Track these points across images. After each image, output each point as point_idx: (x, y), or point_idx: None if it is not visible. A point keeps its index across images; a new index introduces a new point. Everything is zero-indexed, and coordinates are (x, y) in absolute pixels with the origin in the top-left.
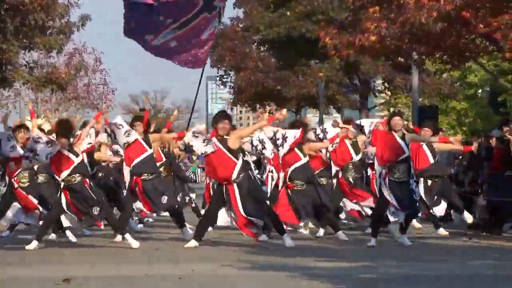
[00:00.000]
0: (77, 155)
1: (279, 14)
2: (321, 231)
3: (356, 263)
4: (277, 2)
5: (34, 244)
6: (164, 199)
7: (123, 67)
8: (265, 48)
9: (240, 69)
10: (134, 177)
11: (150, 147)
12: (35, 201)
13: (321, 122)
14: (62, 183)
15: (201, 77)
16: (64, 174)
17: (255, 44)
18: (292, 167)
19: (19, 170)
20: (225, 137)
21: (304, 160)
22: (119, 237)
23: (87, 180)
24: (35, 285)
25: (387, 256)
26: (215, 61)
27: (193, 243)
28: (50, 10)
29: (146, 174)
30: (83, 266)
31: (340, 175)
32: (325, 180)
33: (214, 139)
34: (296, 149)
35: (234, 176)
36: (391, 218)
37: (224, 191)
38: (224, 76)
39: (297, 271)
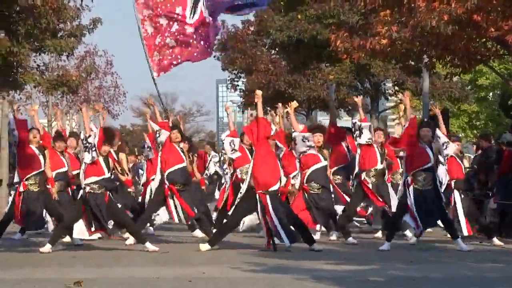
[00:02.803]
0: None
1: (290, 17)
2: (333, 235)
3: (364, 266)
4: (288, 5)
5: (48, 247)
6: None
7: (133, 69)
8: (275, 51)
9: (251, 72)
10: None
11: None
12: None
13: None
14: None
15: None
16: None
17: (266, 47)
18: (311, 169)
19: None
20: None
21: (323, 163)
22: (130, 240)
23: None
24: (45, 287)
25: (395, 258)
26: (227, 64)
27: (206, 247)
28: (61, 13)
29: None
30: (93, 269)
31: (362, 177)
32: (341, 179)
33: None
34: (317, 152)
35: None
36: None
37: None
38: (235, 79)
39: (306, 273)
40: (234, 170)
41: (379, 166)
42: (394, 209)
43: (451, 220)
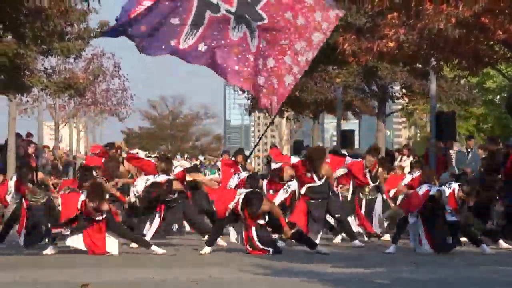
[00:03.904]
0: None
1: None
2: (338, 238)
3: (370, 268)
4: None
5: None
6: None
7: (141, 72)
8: None
9: None
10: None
11: None
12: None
13: (338, 127)
14: None
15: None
16: None
17: None
18: (306, 186)
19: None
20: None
21: (318, 182)
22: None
23: None
24: None
25: (400, 261)
26: None
27: (207, 249)
28: (68, 16)
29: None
30: (100, 271)
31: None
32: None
33: None
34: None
35: None
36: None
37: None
38: None
39: (312, 276)
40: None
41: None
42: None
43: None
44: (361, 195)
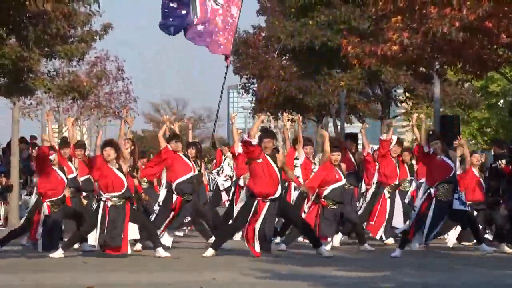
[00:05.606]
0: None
1: (301, 23)
2: (336, 240)
3: (376, 272)
4: (299, 11)
5: (59, 252)
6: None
7: (141, 72)
8: (286, 57)
9: (262, 78)
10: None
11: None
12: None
13: (342, 131)
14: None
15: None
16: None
17: (277, 52)
18: (331, 187)
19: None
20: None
21: (343, 181)
22: (138, 246)
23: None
24: None
25: (406, 265)
26: (238, 68)
27: (210, 252)
28: (71, 19)
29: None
30: (104, 274)
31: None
32: (348, 185)
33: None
34: (337, 169)
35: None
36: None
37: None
38: (247, 84)
39: (317, 280)
40: (237, 178)
41: (397, 181)
42: (395, 221)
43: (477, 226)
44: (387, 193)
